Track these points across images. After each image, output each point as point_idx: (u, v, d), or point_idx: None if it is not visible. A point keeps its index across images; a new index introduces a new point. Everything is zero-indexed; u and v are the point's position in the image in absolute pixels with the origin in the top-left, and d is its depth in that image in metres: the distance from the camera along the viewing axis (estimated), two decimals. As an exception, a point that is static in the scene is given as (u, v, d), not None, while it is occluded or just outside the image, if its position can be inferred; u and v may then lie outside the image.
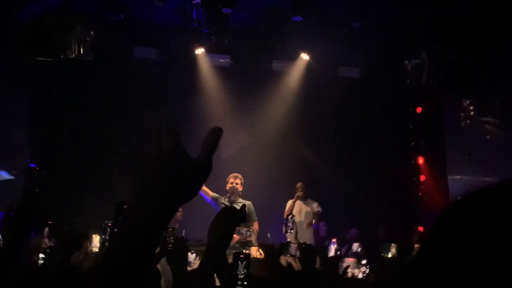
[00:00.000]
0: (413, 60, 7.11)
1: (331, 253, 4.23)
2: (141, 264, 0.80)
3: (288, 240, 4.54)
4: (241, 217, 1.61)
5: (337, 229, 7.66)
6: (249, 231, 5.26)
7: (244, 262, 3.29)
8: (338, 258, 4.03)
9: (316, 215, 7.03)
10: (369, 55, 7.94)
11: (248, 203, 6.19)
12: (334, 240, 4.22)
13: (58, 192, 7.38)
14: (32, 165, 7.74)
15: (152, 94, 7.83)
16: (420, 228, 8.43)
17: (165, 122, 0.89)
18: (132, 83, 7.86)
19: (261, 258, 4.16)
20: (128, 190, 0.91)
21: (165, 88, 7.85)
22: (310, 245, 3.73)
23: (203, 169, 0.90)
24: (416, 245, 6.23)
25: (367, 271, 3.76)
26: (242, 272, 3.17)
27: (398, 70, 7.82)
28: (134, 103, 7.77)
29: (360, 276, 3.75)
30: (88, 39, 6.55)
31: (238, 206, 5.15)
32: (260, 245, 4.59)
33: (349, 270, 3.61)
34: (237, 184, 6.24)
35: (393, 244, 4.92)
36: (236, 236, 5.74)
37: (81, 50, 6.45)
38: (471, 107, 7.99)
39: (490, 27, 6.31)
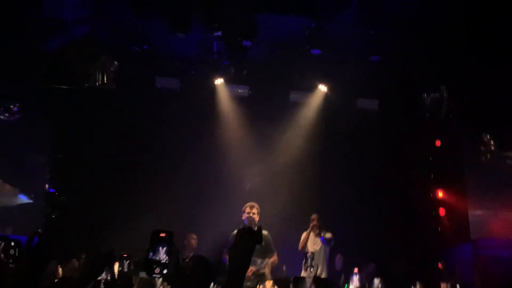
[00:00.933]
0: (432, 94, 7.08)
1: (354, 283, 4.06)
2: None
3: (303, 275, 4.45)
4: (258, 238, 1.62)
5: (353, 263, 7.52)
6: (263, 262, 5.19)
7: None
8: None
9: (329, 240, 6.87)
10: (387, 88, 7.95)
11: (265, 233, 6.15)
12: (355, 270, 4.08)
13: (75, 218, 7.45)
14: (51, 190, 7.84)
15: (172, 123, 7.96)
16: (440, 265, 8.20)
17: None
18: (152, 112, 8.01)
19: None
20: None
21: (185, 117, 7.98)
22: (325, 279, 3.64)
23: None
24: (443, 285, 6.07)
25: None
26: None
27: (417, 103, 7.79)
28: (154, 132, 7.91)
29: None
30: (112, 69, 6.73)
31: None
32: (274, 280, 4.51)
33: None
34: (253, 213, 6.19)
35: (418, 284, 4.79)
36: (250, 267, 5.68)
37: (105, 79, 6.62)
38: (492, 142, 7.87)
39: (510, 63, 6.30)
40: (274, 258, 5.96)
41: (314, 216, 6.85)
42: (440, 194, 8.81)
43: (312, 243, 6.80)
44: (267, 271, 4.91)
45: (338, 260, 7.48)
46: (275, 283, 4.37)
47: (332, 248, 6.98)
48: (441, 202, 8.83)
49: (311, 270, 4.38)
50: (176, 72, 8.22)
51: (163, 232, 2.36)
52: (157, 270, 2.29)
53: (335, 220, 7.43)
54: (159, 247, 2.30)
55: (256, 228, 1.67)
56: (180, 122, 7.94)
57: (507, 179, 8.37)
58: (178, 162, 7.94)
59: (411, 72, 7.25)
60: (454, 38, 6.32)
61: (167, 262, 2.29)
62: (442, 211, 8.81)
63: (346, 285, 5.19)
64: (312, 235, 6.81)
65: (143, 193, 7.67)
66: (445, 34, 6.33)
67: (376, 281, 5.40)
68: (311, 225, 6.76)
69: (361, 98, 8.29)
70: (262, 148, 8.13)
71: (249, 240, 1.59)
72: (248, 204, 6.32)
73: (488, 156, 8.22)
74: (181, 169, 7.87)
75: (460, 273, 7.73)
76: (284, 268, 6.36)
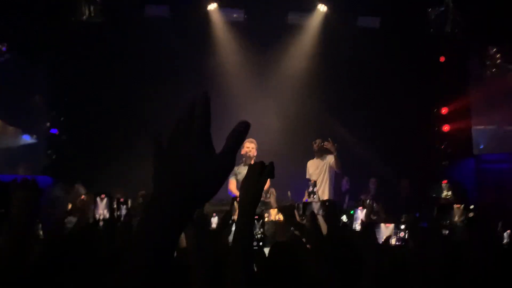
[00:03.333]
0: (437, 8, 6.72)
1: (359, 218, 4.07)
2: (161, 261, 0.80)
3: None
4: (270, 173, 1.59)
5: (357, 185, 7.64)
6: (268, 192, 5.26)
7: (260, 221, 3.27)
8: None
9: (334, 163, 6.86)
10: (389, 4, 7.56)
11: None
12: (360, 208, 4.06)
13: (79, 157, 7.47)
14: (52, 131, 7.80)
15: (166, 54, 7.68)
16: (444, 182, 8.34)
17: (201, 109, 0.86)
18: (144, 44, 7.69)
19: (281, 221, 4.15)
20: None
21: (178, 47, 7.66)
22: (333, 201, 3.65)
23: (224, 168, 0.86)
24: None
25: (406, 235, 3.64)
26: (259, 232, 3.17)
27: (421, 18, 7.43)
28: (147, 65, 7.67)
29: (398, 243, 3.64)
30: (97, 1, 6.36)
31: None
32: (279, 208, 4.57)
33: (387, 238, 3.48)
34: (253, 148, 6.16)
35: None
36: None
37: (92, 12, 6.28)
38: (498, 55, 7.62)
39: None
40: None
41: (317, 140, 6.81)
42: (444, 111, 8.73)
43: (315, 167, 6.84)
44: (272, 199, 4.97)
45: (345, 182, 7.57)
46: (279, 210, 4.43)
47: (339, 170, 7.01)
48: (445, 119, 8.78)
49: (314, 196, 4.42)
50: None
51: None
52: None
53: (341, 143, 7.42)
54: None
55: (268, 163, 1.61)
56: (173, 52, 7.64)
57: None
58: (174, 94, 7.76)
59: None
60: None
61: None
62: (446, 128, 8.79)
63: (352, 211, 5.26)
64: (315, 161, 6.82)
65: (140, 130, 7.58)
66: None
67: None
68: (316, 151, 6.73)
69: (362, 16, 7.92)
70: (261, 75, 7.93)
71: (261, 175, 1.54)
72: (246, 139, 6.25)
73: (494, 69, 8.01)
74: (177, 101, 7.73)
75: (464, 188, 7.88)
76: (289, 194, 6.45)
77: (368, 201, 5.45)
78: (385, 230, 3.74)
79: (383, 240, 3.16)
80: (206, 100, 0.88)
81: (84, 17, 6.26)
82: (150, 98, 7.61)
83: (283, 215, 4.01)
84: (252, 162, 6.18)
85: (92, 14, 6.33)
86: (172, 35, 7.62)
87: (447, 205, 3.85)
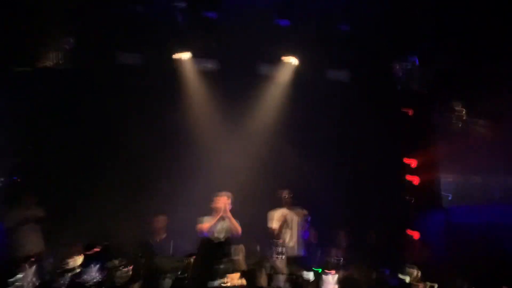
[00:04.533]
0: (403, 63, 6.95)
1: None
2: None
3: (278, 264, 4.32)
4: (225, 251, 1.47)
5: (327, 235, 7.52)
6: (237, 250, 5.09)
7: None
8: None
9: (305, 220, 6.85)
10: (358, 58, 7.78)
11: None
12: (332, 272, 3.90)
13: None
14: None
15: (136, 101, 7.59)
16: (410, 232, 8.33)
17: None
18: (115, 90, 7.59)
19: (243, 285, 3.96)
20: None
21: (150, 94, 7.61)
22: (300, 277, 3.51)
23: None
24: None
25: None
26: None
27: (388, 73, 7.65)
28: (116, 111, 7.54)
29: None
30: (67, 47, 6.27)
31: (227, 223, 4.95)
32: (243, 273, 4.37)
33: None
34: (228, 204, 6.24)
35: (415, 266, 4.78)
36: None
37: (60, 58, 6.17)
38: (463, 110, 7.87)
39: (480, 31, 6.19)
40: (239, 230, 6.02)
41: (284, 192, 6.77)
42: (413, 164, 8.85)
43: (285, 220, 6.73)
44: (241, 257, 4.77)
45: (313, 236, 7.45)
46: (243, 275, 4.23)
47: (307, 223, 6.93)
48: (414, 171, 8.89)
49: (282, 257, 4.25)
50: (138, 47, 7.78)
51: (98, 246, 2.16)
52: None
53: (309, 194, 7.37)
54: (91, 264, 2.12)
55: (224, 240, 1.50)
56: (144, 101, 7.57)
57: (479, 145, 8.43)
58: (144, 141, 7.63)
59: (382, 42, 7.07)
60: (425, 8, 6.13)
61: (100, 280, 2.13)
62: (415, 180, 8.88)
63: (320, 270, 5.13)
64: (284, 213, 6.73)
65: (109, 176, 7.37)
66: (414, 3, 6.14)
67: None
68: (283, 201, 6.68)
69: (332, 69, 8.10)
70: (232, 124, 7.90)
71: (215, 254, 1.43)
72: (220, 193, 6.25)
73: (459, 124, 8.23)
74: (148, 149, 7.59)
75: (432, 241, 7.87)
76: (258, 248, 6.28)
77: (333, 260, 5.32)
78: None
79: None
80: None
81: (51, 63, 6.12)
82: (119, 146, 7.46)
83: (246, 280, 3.83)
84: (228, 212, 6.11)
85: (61, 62, 6.21)
86: (144, 83, 7.57)
87: (407, 285, 3.77)
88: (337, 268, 5.35)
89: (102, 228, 6.70)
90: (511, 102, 7.70)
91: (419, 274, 4.60)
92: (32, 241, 5.84)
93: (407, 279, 4.89)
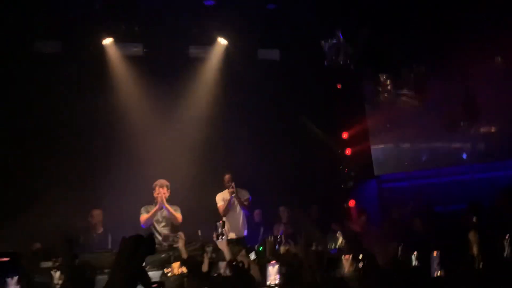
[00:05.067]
0: (329, 40, 7.08)
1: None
2: None
3: (219, 245, 4.34)
4: (149, 248, 1.44)
5: (270, 214, 7.66)
6: (176, 237, 5.04)
7: None
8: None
9: (246, 202, 6.95)
10: (287, 37, 7.82)
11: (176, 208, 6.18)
12: (272, 262, 3.92)
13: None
14: None
15: (58, 93, 7.15)
16: (351, 202, 8.68)
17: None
18: (34, 81, 7.10)
19: (184, 273, 3.94)
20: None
21: (73, 84, 7.21)
22: (241, 263, 3.53)
23: None
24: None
25: None
26: None
27: (317, 49, 7.76)
28: (37, 103, 7.08)
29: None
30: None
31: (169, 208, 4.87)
32: (183, 261, 4.34)
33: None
34: (164, 193, 6.19)
35: (338, 233, 4.94)
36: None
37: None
38: (388, 81, 8.19)
39: (401, 5, 6.41)
40: (179, 217, 6.05)
41: (227, 177, 6.79)
42: (345, 135, 9.17)
43: (227, 201, 6.79)
44: (181, 244, 4.73)
45: (257, 215, 7.56)
46: (183, 263, 4.21)
47: (249, 203, 7.02)
48: (346, 143, 9.22)
49: (223, 238, 4.28)
50: (58, 33, 7.30)
51: (5, 255, 2.01)
52: None
53: (249, 175, 7.43)
54: (7, 278, 1.98)
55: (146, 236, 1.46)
56: (68, 90, 7.16)
57: (406, 114, 8.85)
58: (73, 135, 7.28)
59: (308, 19, 7.14)
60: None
61: None
62: (348, 151, 9.22)
63: (261, 248, 5.21)
64: (227, 195, 6.78)
65: (38, 171, 7.00)
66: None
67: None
68: (228, 190, 6.71)
69: (262, 48, 8.09)
70: (165, 110, 7.71)
71: (136, 251, 1.38)
72: (157, 183, 6.17)
73: (386, 95, 8.58)
74: (78, 142, 7.26)
75: (367, 208, 8.24)
76: (199, 233, 6.26)
77: (270, 238, 5.43)
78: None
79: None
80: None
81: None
82: (47, 140, 7.06)
83: (187, 268, 3.82)
84: (164, 203, 6.03)
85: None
86: (66, 71, 7.15)
87: (335, 258, 3.92)
88: (276, 244, 5.46)
89: (33, 228, 6.38)
90: (432, 73, 8.15)
91: (343, 241, 4.81)
92: None
93: (332, 245, 5.10)
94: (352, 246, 4.17)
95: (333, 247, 5.07)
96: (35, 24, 7.04)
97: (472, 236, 5.13)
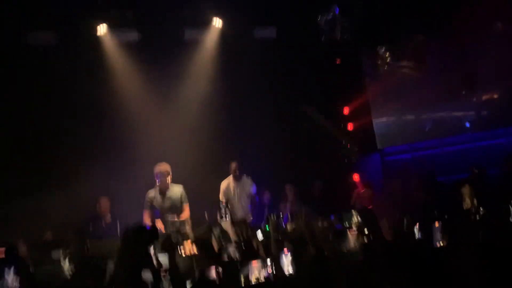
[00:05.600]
0: (325, 15, 6.98)
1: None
2: None
3: (224, 227, 4.38)
4: (152, 235, 1.45)
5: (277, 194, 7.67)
6: (183, 223, 5.08)
7: (169, 278, 3.02)
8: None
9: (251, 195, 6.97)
10: (283, 13, 7.70)
11: (179, 188, 6.08)
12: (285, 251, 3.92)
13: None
14: None
15: (52, 86, 7.10)
16: (355, 177, 8.71)
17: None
18: (28, 76, 7.04)
19: (195, 254, 3.98)
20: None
21: (67, 76, 7.14)
22: (249, 242, 3.56)
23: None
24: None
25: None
26: None
27: (313, 25, 7.67)
28: (30, 99, 7.03)
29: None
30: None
31: (171, 193, 4.88)
32: (195, 240, 4.39)
33: None
34: (167, 178, 6.06)
35: (353, 211, 4.97)
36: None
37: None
38: (387, 54, 8.10)
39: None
40: (186, 213, 5.92)
41: (233, 165, 6.80)
42: (346, 111, 9.12)
43: (231, 188, 6.82)
44: (188, 228, 4.77)
45: (266, 197, 7.57)
46: (194, 242, 4.25)
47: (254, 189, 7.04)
48: (347, 118, 9.18)
49: (226, 218, 4.33)
50: (51, 24, 7.21)
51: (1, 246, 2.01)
52: None
53: (250, 156, 7.44)
54: (3, 269, 1.99)
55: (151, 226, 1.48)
56: (63, 82, 7.11)
57: (405, 86, 8.79)
58: (76, 124, 7.27)
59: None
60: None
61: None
62: (350, 126, 9.19)
63: (268, 228, 5.25)
64: (232, 183, 6.79)
65: (42, 163, 7.03)
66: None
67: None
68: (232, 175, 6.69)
69: (258, 27, 7.98)
70: (162, 95, 7.67)
71: (138, 242, 1.39)
72: (158, 168, 6.06)
73: (385, 67, 8.50)
74: (80, 131, 7.26)
75: (371, 182, 8.26)
76: (206, 215, 6.31)
77: (273, 215, 5.46)
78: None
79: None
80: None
81: None
82: (47, 133, 7.06)
83: (198, 249, 3.85)
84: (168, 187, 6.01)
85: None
86: (60, 63, 7.09)
87: (341, 232, 3.94)
88: (280, 221, 5.51)
89: (44, 218, 6.46)
90: (431, 41, 8.05)
91: (359, 218, 4.84)
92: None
93: (348, 224, 5.14)
94: (366, 222, 4.19)
95: (347, 225, 5.09)
96: (26, 15, 6.94)
97: (465, 189, 5.16)
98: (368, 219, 3.98)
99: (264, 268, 3.43)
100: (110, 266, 3.81)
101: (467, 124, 8.97)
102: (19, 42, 7.06)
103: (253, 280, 3.13)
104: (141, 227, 1.47)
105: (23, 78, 7.07)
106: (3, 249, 2.43)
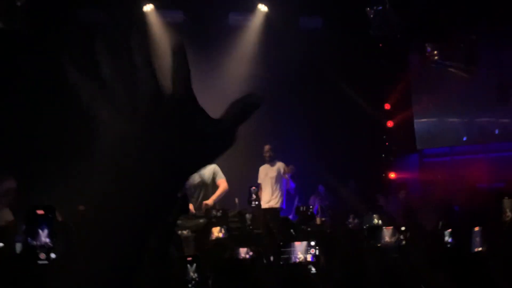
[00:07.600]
0: (375, 7, 6.76)
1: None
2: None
3: (253, 211, 4.35)
4: (184, 208, 1.41)
5: (306, 188, 7.59)
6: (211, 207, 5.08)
7: (194, 265, 3.01)
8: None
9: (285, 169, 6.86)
10: (330, 4, 7.54)
11: (211, 165, 6.04)
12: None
13: None
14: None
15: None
16: (391, 175, 8.50)
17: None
18: (77, 51, 7.19)
19: (223, 238, 3.97)
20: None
21: (115, 52, 7.25)
22: (274, 234, 3.51)
23: (225, 137, 0.58)
24: None
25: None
26: (193, 277, 2.93)
27: (361, 17, 7.46)
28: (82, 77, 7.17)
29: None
30: (19, 4, 5.81)
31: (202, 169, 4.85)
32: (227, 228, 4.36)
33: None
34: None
35: (375, 216, 4.87)
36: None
37: (12, 19, 5.74)
38: (435, 52, 7.80)
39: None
40: (222, 186, 5.86)
41: (266, 147, 6.74)
42: (387, 107, 8.88)
43: (265, 173, 6.77)
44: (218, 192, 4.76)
45: (291, 184, 7.50)
46: (223, 229, 4.23)
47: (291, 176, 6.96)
48: (388, 115, 8.94)
49: (256, 203, 4.30)
50: (99, 2, 7.35)
51: (40, 208, 1.99)
52: (42, 256, 1.99)
53: (288, 146, 7.36)
54: (38, 229, 1.98)
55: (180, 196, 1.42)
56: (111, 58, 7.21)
57: (451, 87, 8.47)
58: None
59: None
60: None
61: (52, 246, 1.98)
62: (389, 124, 8.95)
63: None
64: (264, 167, 6.75)
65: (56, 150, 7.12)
66: None
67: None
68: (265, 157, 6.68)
69: (304, 16, 7.85)
70: (203, 78, 7.67)
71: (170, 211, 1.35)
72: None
73: (432, 65, 8.21)
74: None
75: (408, 182, 8.05)
76: (236, 201, 6.31)
77: (303, 207, 5.37)
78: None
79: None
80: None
81: (3, 25, 5.65)
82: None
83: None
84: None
85: (12, 21, 5.73)
86: (109, 40, 7.19)
87: (375, 228, 3.84)
88: (309, 215, 5.43)
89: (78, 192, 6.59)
90: (483, 45, 7.68)
91: (380, 221, 4.74)
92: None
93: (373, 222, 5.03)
94: (407, 219, 4.07)
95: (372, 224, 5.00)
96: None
97: (507, 202, 4.92)
98: (407, 216, 3.85)
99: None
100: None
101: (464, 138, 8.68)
102: (70, 18, 7.22)
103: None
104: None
105: (73, 55, 7.21)
106: (41, 211, 2.46)
